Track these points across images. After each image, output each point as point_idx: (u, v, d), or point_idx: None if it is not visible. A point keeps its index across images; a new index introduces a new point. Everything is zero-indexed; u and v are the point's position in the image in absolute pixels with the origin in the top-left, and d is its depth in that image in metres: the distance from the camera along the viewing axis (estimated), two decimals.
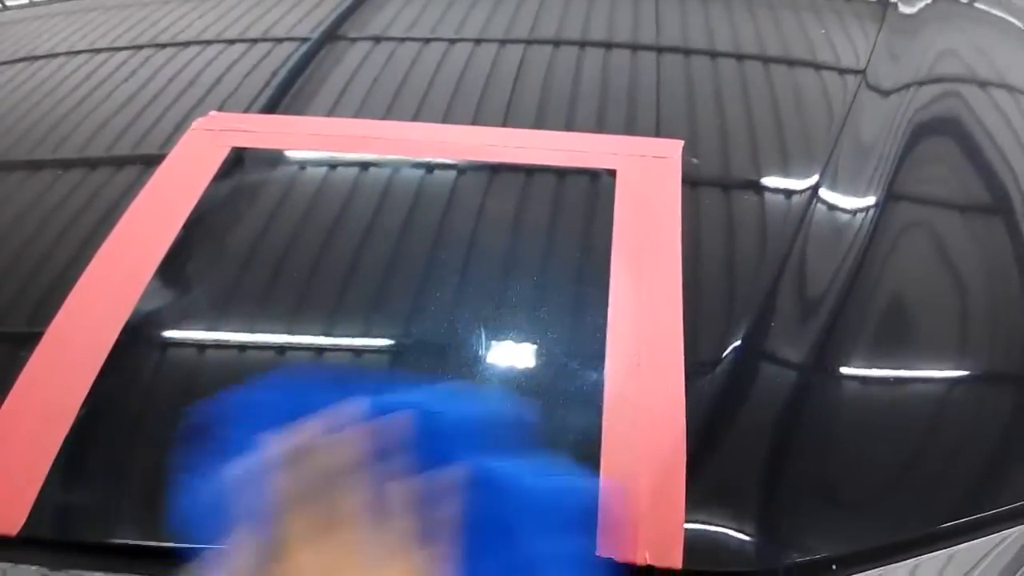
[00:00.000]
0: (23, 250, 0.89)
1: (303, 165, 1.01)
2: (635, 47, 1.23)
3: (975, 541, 0.68)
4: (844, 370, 0.78)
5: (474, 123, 1.05)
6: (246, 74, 1.16)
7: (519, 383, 0.75)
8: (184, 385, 0.76)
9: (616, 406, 0.71)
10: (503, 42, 1.25)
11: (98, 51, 1.26)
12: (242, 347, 0.79)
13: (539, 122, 1.05)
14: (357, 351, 0.80)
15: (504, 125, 1.04)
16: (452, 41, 1.24)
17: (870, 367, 0.79)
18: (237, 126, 1.03)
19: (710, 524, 0.65)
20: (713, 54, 1.22)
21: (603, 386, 0.72)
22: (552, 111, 1.08)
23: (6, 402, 0.71)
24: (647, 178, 0.93)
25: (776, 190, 0.98)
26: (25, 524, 0.64)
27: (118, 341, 0.76)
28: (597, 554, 0.56)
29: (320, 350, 0.79)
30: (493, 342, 0.77)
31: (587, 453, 0.67)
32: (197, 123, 1.03)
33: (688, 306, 0.78)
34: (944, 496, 0.70)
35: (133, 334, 0.77)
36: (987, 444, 0.75)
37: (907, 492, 0.70)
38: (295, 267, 0.85)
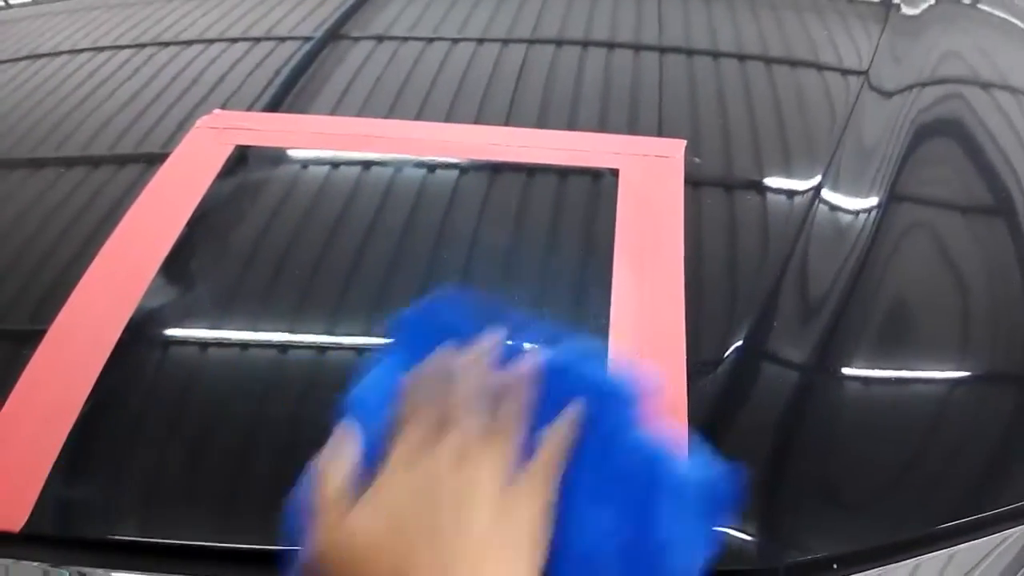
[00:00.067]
0: (27, 248, 0.89)
1: (306, 163, 1.01)
2: (638, 47, 1.24)
3: (976, 541, 0.68)
4: (846, 370, 0.78)
5: (477, 122, 1.05)
6: (249, 73, 1.16)
7: None
8: (187, 383, 0.77)
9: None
10: (506, 41, 1.25)
11: (101, 49, 1.26)
12: (245, 345, 0.79)
13: (542, 121, 1.05)
14: (360, 349, 0.80)
15: (507, 124, 1.05)
16: (455, 40, 1.24)
17: (872, 367, 0.79)
18: (241, 124, 1.03)
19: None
20: (716, 54, 1.22)
21: None
22: (555, 110, 1.08)
23: (9, 399, 0.71)
24: (650, 177, 0.94)
25: (778, 190, 0.98)
26: (28, 521, 0.64)
27: (121, 339, 0.76)
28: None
29: (323, 348, 0.79)
30: None
31: None
32: (201, 121, 1.03)
33: (690, 306, 0.78)
34: (945, 496, 0.71)
35: (136, 332, 0.77)
36: (988, 444, 0.75)
37: (908, 492, 0.70)
38: (298, 265, 0.86)
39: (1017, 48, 1.35)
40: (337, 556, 0.43)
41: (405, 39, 1.24)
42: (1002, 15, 1.40)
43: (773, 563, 0.64)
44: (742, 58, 1.19)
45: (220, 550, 0.64)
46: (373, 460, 0.46)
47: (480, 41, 1.25)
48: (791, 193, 0.96)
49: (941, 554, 0.67)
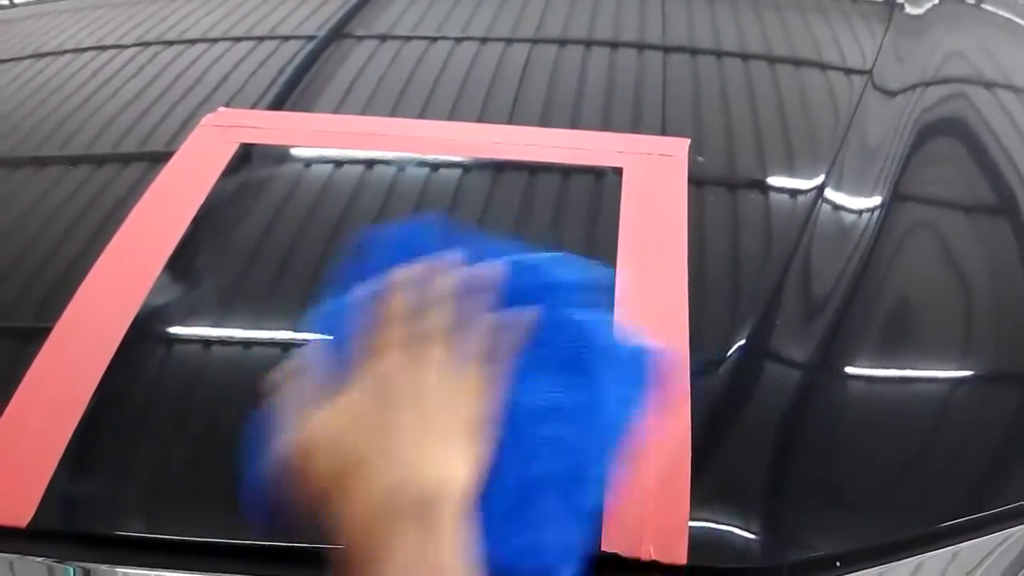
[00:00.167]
0: (33, 245, 0.89)
1: (310, 161, 1.01)
2: (641, 46, 1.24)
3: (978, 540, 0.68)
4: (849, 369, 0.78)
5: (480, 121, 1.05)
6: (254, 71, 1.16)
7: None
8: (192, 380, 0.77)
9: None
10: (509, 40, 1.25)
11: (106, 48, 1.26)
12: (250, 342, 0.80)
13: (545, 120, 1.06)
14: None
15: (510, 123, 1.05)
16: (458, 39, 1.24)
17: (875, 366, 0.79)
18: (245, 122, 1.03)
19: (715, 520, 0.65)
20: (719, 54, 1.22)
21: None
22: (558, 109, 1.08)
23: (16, 396, 0.71)
24: (653, 176, 0.94)
25: (782, 189, 0.98)
26: (34, 516, 0.64)
27: (127, 336, 0.76)
28: (603, 549, 0.56)
29: None
30: None
31: None
32: (206, 119, 1.03)
33: (694, 304, 0.79)
34: (948, 495, 0.71)
35: (142, 329, 0.77)
36: (991, 443, 0.75)
37: (911, 490, 0.71)
38: (303, 263, 0.86)
39: (1021, 48, 1.35)
40: (299, 458, 0.45)
41: (409, 38, 1.24)
42: (1006, 15, 1.40)
43: (776, 561, 0.64)
44: (746, 57, 1.20)
45: (225, 546, 0.64)
46: (342, 368, 0.48)
47: (483, 40, 1.25)
48: (794, 192, 0.96)
49: (943, 552, 0.67)
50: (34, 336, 0.77)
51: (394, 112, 1.07)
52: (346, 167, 1.00)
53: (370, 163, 0.99)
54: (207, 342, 0.80)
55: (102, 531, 0.66)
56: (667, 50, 1.22)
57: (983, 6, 1.44)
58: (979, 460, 0.74)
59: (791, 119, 1.07)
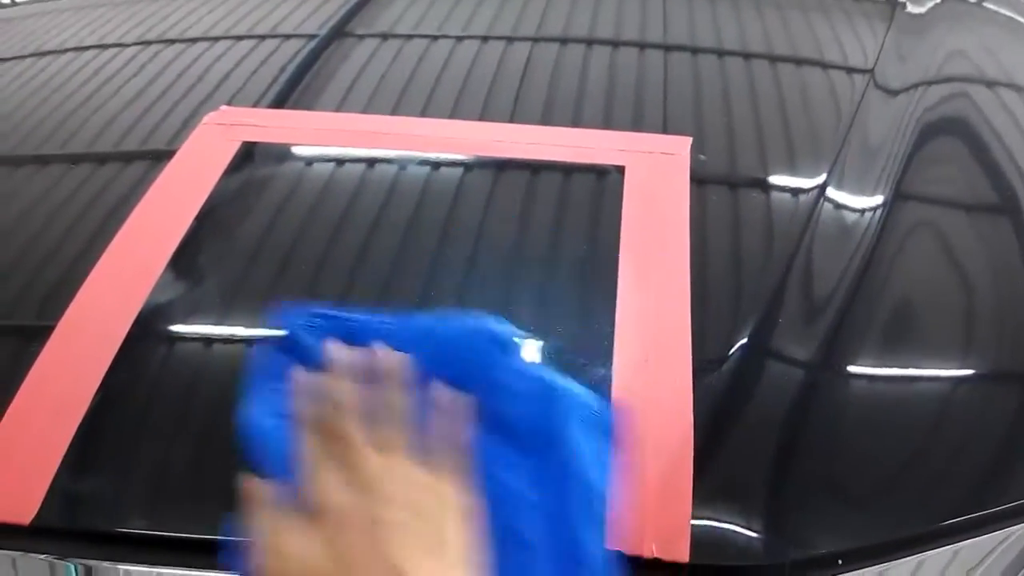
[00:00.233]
0: (36, 244, 0.89)
1: (313, 160, 1.01)
2: (643, 45, 1.24)
3: (980, 538, 0.68)
4: (851, 368, 0.78)
5: (482, 119, 1.05)
6: (255, 69, 1.16)
7: None
8: (195, 377, 0.77)
9: (624, 401, 0.71)
10: (510, 39, 1.25)
11: (107, 46, 1.26)
12: (252, 340, 0.80)
13: (547, 118, 1.06)
14: None
15: (512, 121, 1.05)
16: (460, 38, 1.24)
17: (876, 365, 0.79)
18: (247, 120, 1.03)
19: (717, 519, 0.65)
20: (721, 52, 1.22)
21: (611, 381, 0.73)
22: (560, 107, 1.08)
23: (19, 394, 0.72)
24: (655, 175, 0.94)
25: (784, 188, 0.98)
26: (37, 514, 0.65)
27: (130, 334, 0.76)
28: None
29: None
30: None
31: None
32: (208, 117, 1.03)
33: (696, 302, 0.79)
34: (949, 493, 0.71)
35: (144, 327, 0.77)
36: (992, 442, 0.75)
37: (913, 488, 0.71)
38: (305, 261, 0.86)
39: (1023, 46, 1.35)
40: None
41: (410, 36, 1.25)
42: (1008, 13, 1.40)
43: (778, 559, 0.64)
44: (747, 56, 1.20)
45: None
46: (288, 479, 0.48)
47: (485, 38, 1.25)
48: (796, 191, 0.96)
49: (945, 551, 0.67)
50: (37, 334, 0.77)
51: (396, 111, 1.07)
52: (348, 165, 1.00)
53: (372, 161, 0.99)
54: (209, 340, 0.80)
55: (105, 528, 0.67)
56: (669, 48, 1.22)
57: (985, 5, 1.43)
58: (980, 459, 0.74)
59: (793, 118, 1.07)
